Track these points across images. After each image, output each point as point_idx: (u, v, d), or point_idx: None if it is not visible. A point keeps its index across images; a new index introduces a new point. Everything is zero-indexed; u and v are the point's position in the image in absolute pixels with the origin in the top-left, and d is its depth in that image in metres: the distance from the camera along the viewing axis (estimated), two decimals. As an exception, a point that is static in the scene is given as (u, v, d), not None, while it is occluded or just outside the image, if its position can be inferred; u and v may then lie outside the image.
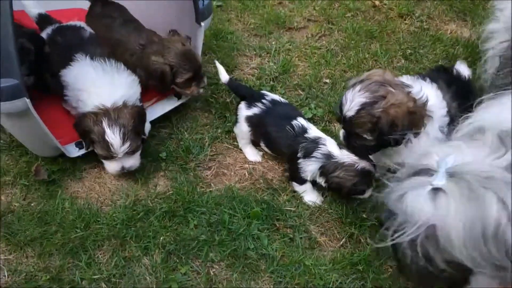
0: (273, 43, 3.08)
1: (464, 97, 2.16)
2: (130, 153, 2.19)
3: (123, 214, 2.19)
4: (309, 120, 2.60)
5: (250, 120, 2.36)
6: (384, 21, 3.27)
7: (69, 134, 2.34)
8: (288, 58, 2.96)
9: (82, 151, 2.29)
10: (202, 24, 2.42)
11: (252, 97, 2.40)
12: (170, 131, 2.55)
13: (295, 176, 2.25)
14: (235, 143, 2.53)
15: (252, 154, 2.46)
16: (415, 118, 2.02)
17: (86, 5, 2.99)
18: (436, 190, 1.50)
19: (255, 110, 2.35)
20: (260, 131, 2.35)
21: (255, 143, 2.45)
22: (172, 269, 2.03)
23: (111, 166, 2.23)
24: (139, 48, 2.47)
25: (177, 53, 2.38)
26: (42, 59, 2.38)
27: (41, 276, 1.96)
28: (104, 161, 2.25)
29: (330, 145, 2.18)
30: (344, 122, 2.12)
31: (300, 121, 2.28)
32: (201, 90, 2.51)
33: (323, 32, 3.18)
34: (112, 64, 2.31)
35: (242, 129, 2.39)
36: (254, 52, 3.03)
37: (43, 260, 2.02)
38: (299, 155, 2.21)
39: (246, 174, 2.39)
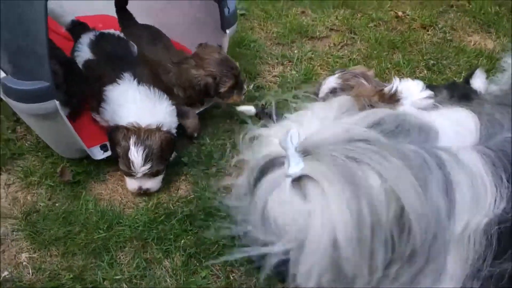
0: (295, 51, 3.11)
1: None
2: (150, 175, 2.20)
3: (145, 216, 2.22)
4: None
5: None
6: (407, 32, 3.27)
7: (94, 137, 2.39)
8: (310, 67, 2.98)
9: (107, 154, 2.34)
10: (227, 31, 2.45)
11: None
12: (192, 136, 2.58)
13: None
14: (256, 149, 2.54)
15: None
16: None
17: (111, 11, 3.07)
18: (298, 180, 1.13)
19: None
20: None
21: None
22: (192, 272, 2.04)
23: (130, 184, 2.26)
24: (173, 66, 2.48)
25: (217, 62, 2.39)
26: (73, 78, 2.40)
27: (64, 275, 2.00)
28: (125, 176, 2.27)
29: None
30: None
31: None
32: (243, 97, 2.53)
33: (345, 42, 3.19)
34: (155, 92, 2.33)
35: None
36: (277, 60, 3.06)
37: (66, 259, 2.06)
38: None
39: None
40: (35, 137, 2.51)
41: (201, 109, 2.57)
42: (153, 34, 2.74)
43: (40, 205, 2.24)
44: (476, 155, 1.32)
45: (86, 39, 2.62)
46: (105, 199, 2.31)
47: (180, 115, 2.42)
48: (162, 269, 2.05)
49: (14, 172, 2.40)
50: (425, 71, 3.00)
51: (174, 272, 2.04)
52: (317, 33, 3.23)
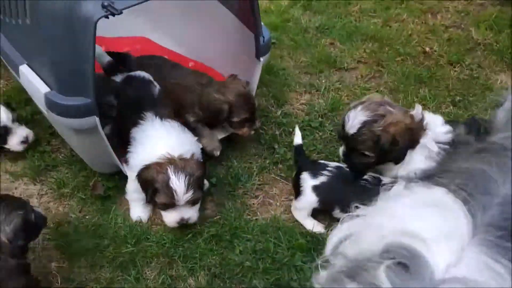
0: (323, 81, 3.17)
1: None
2: (190, 203, 2.18)
3: (172, 234, 2.27)
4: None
5: (317, 189, 2.30)
6: (434, 67, 3.32)
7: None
8: (337, 97, 3.04)
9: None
10: (261, 59, 2.54)
11: (314, 167, 2.34)
12: (220, 157, 2.64)
13: None
14: (282, 174, 2.59)
15: (313, 224, 2.35)
16: (414, 133, 2.16)
17: (149, 34, 3.20)
18: None
19: (322, 179, 2.29)
20: (332, 197, 2.31)
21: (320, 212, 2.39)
22: (216, 292, 2.08)
23: (171, 216, 2.22)
24: (199, 86, 2.58)
25: (237, 93, 2.49)
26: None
27: (92, 286, 2.05)
28: (164, 212, 2.23)
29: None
30: (346, 140, 2.25)
31: (371, 174, 2.29)
32: (252, 132, 2.60)
33: (372, 74, 3.25)
34: (178, 125, 2.38)
35: (309, 200, 2.31)
36: (304, 89, 3.12)
37: (94, 271, 2.12)
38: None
39: (292, 207, 2.44)
40: (69, 150, 2.61)
41: (223, 135, 2.63)
42: (169, 62, 2.88)
43: (71, 217, 2.32)
44: (481, 262, 1.25)
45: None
46: (134, 214, 2.37)
47: (197, 134, 2.50)
48: (186, 286, 2.09)
49: (47, 183, 2.49)
50: (451, 107, 3.04)
51: (198, 290, 2.07)
52: (345, 64, 3.30)
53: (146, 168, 2.17)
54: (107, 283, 2.06)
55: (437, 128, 2.23)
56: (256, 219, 2.38)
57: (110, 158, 2.27)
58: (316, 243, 2.25)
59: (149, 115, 2.37)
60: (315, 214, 2.37)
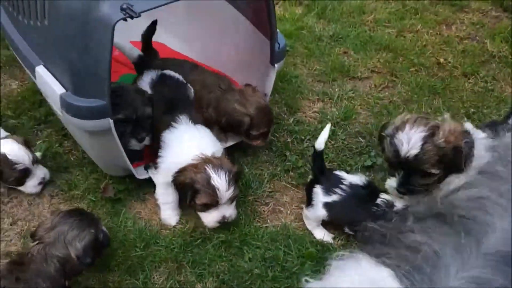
0: (336, 89, 3.16)
1: None
2: (231, 200, 2.17)
3: (181, 239, 2.26)
4: (368, 168, 2.65)
5: (328, 206, 2.25)
6: (448, 79, 3.29)
7: (137, 158, 2.47)
8: (351, 106, 3.03)
9: (150, 174, 2.40)
10: (276, 65, 2.53)
11: (329, 181, 2.27)
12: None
13: None
14: (293, 182, 2.58)
15: (323, 234, 2.33)
16: (469, 137, 2.06)
17: (167, 41, 3.20)
18: None
19: (334, 198, 2.23)
20: (343, 217, 2.28)
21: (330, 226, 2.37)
22: (224, 299, 2.06)
23: (212, 217, 2.18)
24: (219, 90, 2.57)
25: (259, 108, 2.48)
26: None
27: (100, 290, 2.04)
28: (203, 214, 2.20)
29: None
30: (405, 164, 2.06)
31: (384, 196, 2.22)
32: (263, 143, 2.59)
33: (386, 84, 3.24)
34: (207, 130, 2.36)
35: (318, 214, 2.28)
36: (317, 97, 3.11)
37: (102, 274, 2.10)
38: None
39: (303, 214, 2.42)
40: (80, 152, 2.61)
41: (226, 145, 2.59)
42: (189, 63, 2.87)
43: (81, 219, 2.31)
44: None
45: (148, 77, 2.61)
46: (144, 218, 2.37)
47: None
48: (195, 292, 2.07)
49: (58, 184, 2.49)
50: (465, 119, 3.00)
51: (206, 296, 2.06)
52: (359, 74, 3.29)
53: (182, 170, 2.13)
54: (115, 286, 2.05)
55: (479, 135, 2.16)
56: (266, 226, 2.36)
57: (122, 161, 2.27)
58: (327, 251, 2.22)
59: (183, 119, 2.32)
60: (326, 223, 2.34)
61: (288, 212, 2.45)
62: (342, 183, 2.24)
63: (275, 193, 2.53)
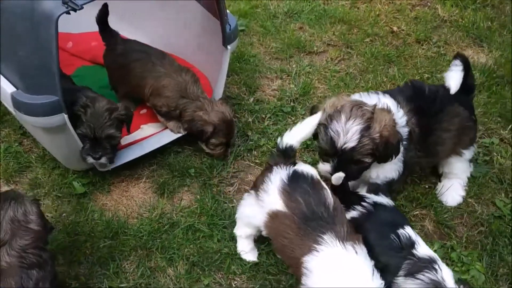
0: (294, 66, 3.20)
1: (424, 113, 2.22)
2: None
3: (149, 226, 2.29)
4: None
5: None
6: (402, 46, 3.37)
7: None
8: (308, 81, 3.07)
9: (113, 165, 2.40)
10: (229, 47, 2.54)
11: (349, 199, 2.10)
12: (194, 148, 2.65)
13: None
14: (257, 160, 2.62)
15: None
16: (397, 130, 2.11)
17: (115, 26, 3.12)
18: None
19: (353, 214, 2.06)
20: None
21: None
22: (195, 280, 2.11)
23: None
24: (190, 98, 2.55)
25: (223, 119, 2.50)
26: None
27: (71, 283, 2.06)
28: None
29: (446, 273, 1.83)
30: (341, 155, 2.04)
31: (408, 231, 1.97)
32: (226, 158, 2.60)
33: (342, 56, 3.29)
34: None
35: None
36: (275, 75, 3.14)
37: (73, 268, 2.12)
38: (400, 272, 1.86)
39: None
40: (41, 149, 2.59)
41: (176, 136, 2.61)
42: (156, 50, 2.82)
43: (48, 216, 2.30)
44: None
45: (277, 177, 1.96)
46: (110, 209, 2.38)
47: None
48: (166, 277, 2.12)
49: (22, 183, 2.47)
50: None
51: (177, 280, 2.10)
52: (315, 48, 3.32)
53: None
54: (86, 279, 2.07)
55: (398, 121, 2.14)
56: (232, 206, 2.40)
57: (82, 155, 2.27)
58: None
59: (328, 239, 1.79)
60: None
61: (253, 190, 2.50)
62: (365, 201, 2.11)
63: (240, 173, 2.58)
